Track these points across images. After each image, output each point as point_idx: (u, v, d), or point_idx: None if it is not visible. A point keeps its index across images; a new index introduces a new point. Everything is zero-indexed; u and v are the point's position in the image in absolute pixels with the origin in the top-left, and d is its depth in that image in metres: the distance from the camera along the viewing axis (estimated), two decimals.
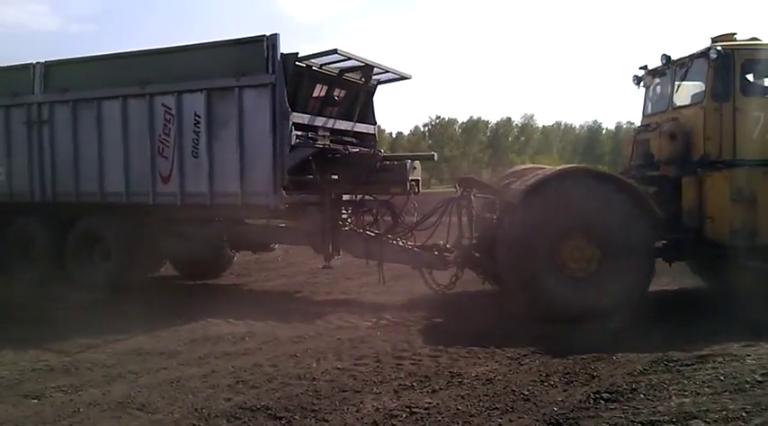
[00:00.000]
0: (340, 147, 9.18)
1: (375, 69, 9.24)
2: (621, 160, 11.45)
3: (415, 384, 5.03)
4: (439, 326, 7.15)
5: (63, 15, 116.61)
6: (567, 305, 6.87)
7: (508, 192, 7.59)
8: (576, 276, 7.05)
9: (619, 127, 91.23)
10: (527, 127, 76.56)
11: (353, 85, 9.70)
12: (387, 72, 9.55)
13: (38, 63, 9.91)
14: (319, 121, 8.93)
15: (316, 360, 5.74)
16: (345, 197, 9.13)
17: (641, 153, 8.90)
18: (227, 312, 7.71)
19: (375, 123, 10.42)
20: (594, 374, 5.15)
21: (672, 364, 5.28)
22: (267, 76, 7.94)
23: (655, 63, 8.66)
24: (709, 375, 4.93)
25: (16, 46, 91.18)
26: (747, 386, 4.62)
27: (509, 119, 75.95)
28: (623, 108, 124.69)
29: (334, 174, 8.79)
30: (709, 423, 4.00)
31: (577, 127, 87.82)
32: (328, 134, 9.18)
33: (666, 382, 4.83)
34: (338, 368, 5.47)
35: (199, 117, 8.45)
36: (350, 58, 8.47)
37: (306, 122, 8.58)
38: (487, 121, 76.99)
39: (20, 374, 5.51)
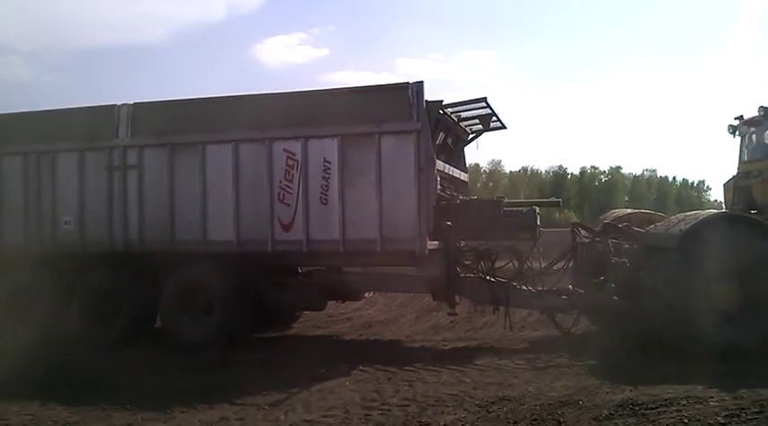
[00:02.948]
0: (448, 194, 10.47)
1: (493, 117, 10.65)
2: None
3: None
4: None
5: (35, 66, 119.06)
6: (722, 343, 8.25)
7: (655, 237, 9.01)
8: (730, 316, 8.52)
9: (583, 171, 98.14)
10: (494, 172, 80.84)
11: (458, 133, 11.08)
12: (497, 121, 10.98)
13: (124, 105, 10.59)
14: (447, 169, 10.19)
15: (284, 413, 6.46)
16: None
17: (742, 198, 10.67)
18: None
19: (467, 171, 11.81)
20: (561, 420, 5.86)
21: (637, 408, 6.01)
22: (412, 123, 9.04)
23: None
24: (673, 418, 5.71)
25: None
26: None
27: (477, 165, 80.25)
28: (589, 152, 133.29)
29: (448, 221, 9.98)
30: None
31: (543, 171, 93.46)
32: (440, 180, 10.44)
33: None
34: (306, 420, 6.20)
35: (329, 163, 9.42)
36: (489, 107, 9.85)
37: (442, 169, 9.82)
38: None
39: None
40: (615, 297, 9.29)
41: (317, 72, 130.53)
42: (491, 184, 78.44)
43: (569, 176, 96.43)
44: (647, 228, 9.46)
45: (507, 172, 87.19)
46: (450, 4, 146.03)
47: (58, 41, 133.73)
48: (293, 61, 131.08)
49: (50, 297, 10.76)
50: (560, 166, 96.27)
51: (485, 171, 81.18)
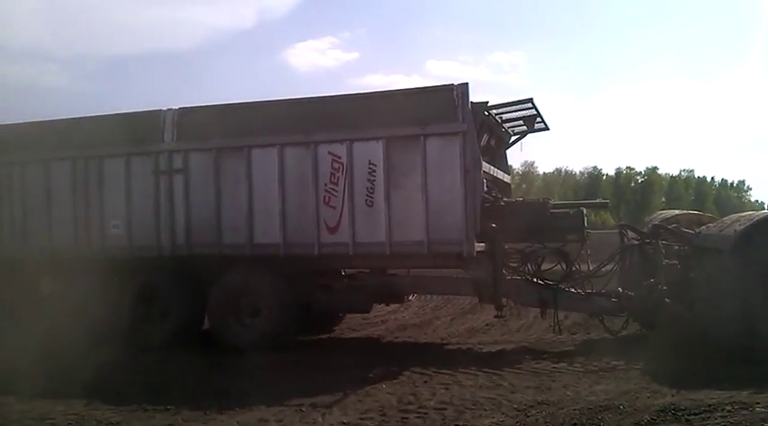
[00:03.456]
0: (493, 196, 10.52)
1: (538, 118, 10.69)
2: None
3: None
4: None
5: (71, 73, 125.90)
6: None
7: (707, 239, 8.95)
8: None
9: (619, 172, 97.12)
10: (528, 174, 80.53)
11: (501, 135, 11.13)
12: (541, 122, 11.02)
13: (169, 109, 10.86)
14: (491, 170, 10.25)
15: (321, 415, 6.55)
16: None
17: None
18: None
19: (510, 172, 11.85)
20: (601, 425, 5.86)
21: (680, 413, 5.96)
22: (457, 125, 9.13)
23: None
24: (717, 424, 5.66)
25: (28, 102, 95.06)
26: None
27: (510, 166, 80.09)
28: (624, 153, 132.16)
29: (493, 223, 10.01)
30: None
31: (578, 172, 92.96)
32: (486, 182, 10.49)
33: None
34: (343, 423, 6.26)
35: (374, 165, 9.53)
36: (535, 107, 9.90)
37: (487, 170, 9.88)
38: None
39: None
40: (667, 300, 9.25)
41: (347, 76, 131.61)
42: (524, 186, 78.15)
43: (604, 177, 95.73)
44: (699, 230, 9.41)
45: (541, 173, 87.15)
46: (481, 6, 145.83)
47: (92, 49, 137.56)
48: (324, 65, 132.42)
49: (99, 301, 11.06)
50: (595, 167, 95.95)
51: (518, 172, 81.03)
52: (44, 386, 7.71)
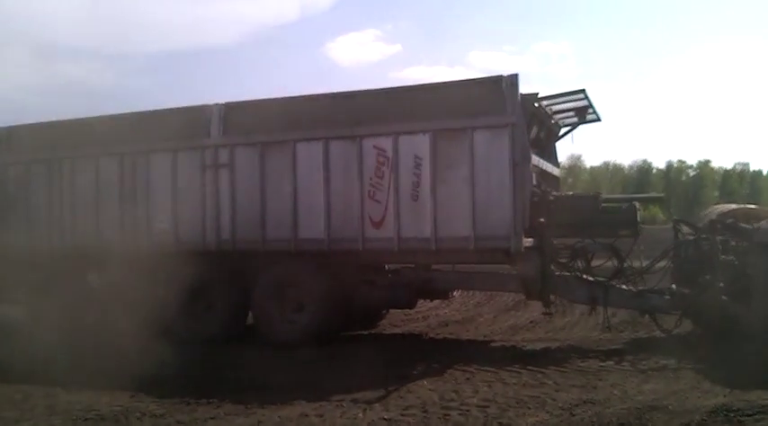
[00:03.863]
0: (542, 190, 10.36)
1: (590, 109, 10.50)
2: None
3: None
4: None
5: (117, 70, 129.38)
6: None
7: (767, 234, 8.70)
8: None
9: (669, 165, 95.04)
10: (574, 167, 79.33)
11: (551, 126, 10.97)
12: (593, 113, 10.82)
13: (215, 104, 10.99)
14: (540, 164, 10.11)
15: (362, 410, 6.52)
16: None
17: None
18: None
19: (559, 166, 11.67)
20: (649, 425, 5.72)
21: (732, 414, 5.77)
22: (506, 117, 9.01)
23: None
24: None
25: (75, 100, 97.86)
26: None
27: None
28: (675, 146, 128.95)
29: (541, 217, 9.87)
30: None
31: (626, 166, 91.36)
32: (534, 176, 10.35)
33: None
34: (384, 419, 6.23)
35: (420, 159, 9.47)
36: (587, 98, 9.73)
37: (536, 164, 9.76)
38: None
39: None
40: (723, 297, 9.01)
41: (390, 68, 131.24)
42: (570, 180, 77.12)
43: (654, 171, 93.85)
44: (758, 224, 9.14)
45: (588, 167, 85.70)
46: None
47: (137, 46, 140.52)
48: (366, 58, 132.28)
49: (145, 295, 11.28)
50: (644, 161, 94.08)
51: (564, 166, 79.87)
52: (91, 377, 7.89)
